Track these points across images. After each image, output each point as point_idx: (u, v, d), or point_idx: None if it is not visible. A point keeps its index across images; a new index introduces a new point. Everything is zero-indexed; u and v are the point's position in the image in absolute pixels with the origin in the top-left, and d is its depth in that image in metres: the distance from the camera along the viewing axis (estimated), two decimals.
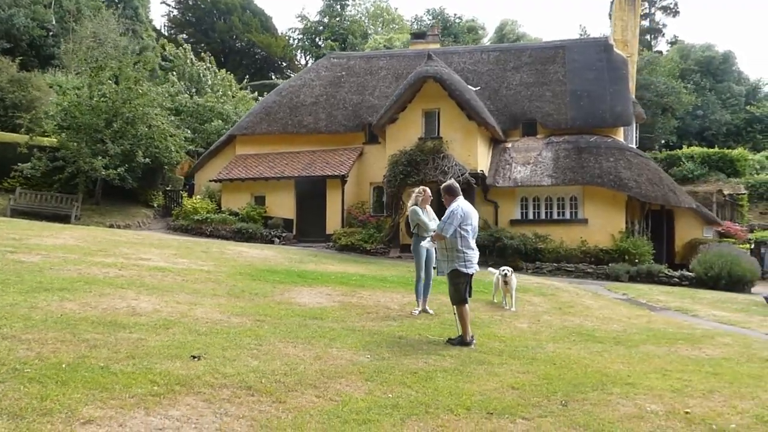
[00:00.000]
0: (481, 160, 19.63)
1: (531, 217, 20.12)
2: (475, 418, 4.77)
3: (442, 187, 7.76)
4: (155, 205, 25.21)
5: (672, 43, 57.45)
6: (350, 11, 60.17)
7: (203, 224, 21.89)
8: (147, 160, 21.44)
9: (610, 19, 23.86)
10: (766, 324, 11.34)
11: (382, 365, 6.15)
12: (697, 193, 31.41)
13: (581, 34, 47.35)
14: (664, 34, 60.10)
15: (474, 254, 7.66)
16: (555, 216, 19.96)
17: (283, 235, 21.88)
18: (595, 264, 18.53)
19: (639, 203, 19.52)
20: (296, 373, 5.59)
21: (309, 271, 13.72)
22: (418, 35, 29.29)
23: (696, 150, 37.21)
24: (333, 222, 21.99)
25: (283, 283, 11.34)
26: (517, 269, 18.42)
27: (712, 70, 49.63)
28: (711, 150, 37.03)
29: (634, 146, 22.42)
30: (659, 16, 59.97)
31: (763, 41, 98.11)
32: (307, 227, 22.29)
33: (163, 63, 34.05)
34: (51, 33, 43.54)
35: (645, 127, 43.46)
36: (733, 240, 22.57)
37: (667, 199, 19.08)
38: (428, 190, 9.69)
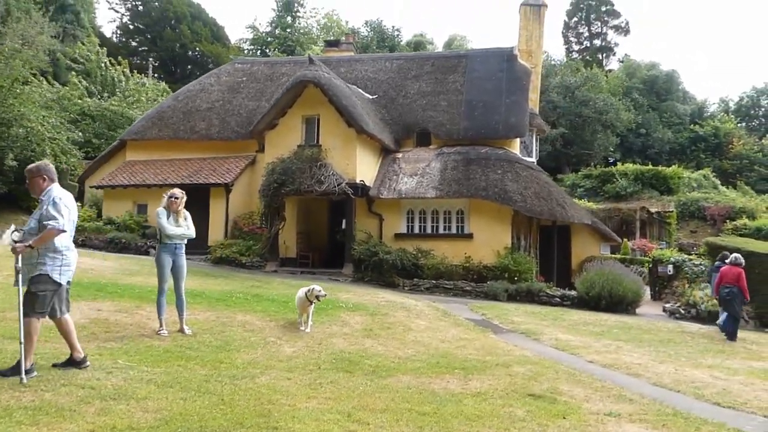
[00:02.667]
0: (363, 169, 18.59)
1: (417, 230, 19.09)
2: None
3: (27, 169, 6.21)
4: None
5: (622, 62, 57.45)
6: (302, 23, 59.33)
7: (76, 233, 20.49)
8: (15, 163, 20.05)
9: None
10: (604, 350, 10.49)
11: None
12: (621, 209, 30.89)
13: None
14: (615, 53, 60.26)
15: (74, 257, 6.31)
16: (441, 230, 18.96)
17: None
18: (478, 281, 17.53)
19: (527, 218, 18.61)
20: None
21: (126, 285, 12.54)
22: (332, 43, 28.41)
23: (630, 167, 36.75)
24: (216, 233, 20.77)
25: (72, 298, 10.18)
26: (393, 286, 17.53)
27: (656, 88, 49.53)
28: (644, 167, 36.59)
29: (533, 159, 21.56)
30: (611, 35, 60.16)
31: (712, 61, 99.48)
32: (190, 239, 20.97)
33: (74, 65, 32.66)
34: None
35: (584, 143, 43.10)
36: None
37: (554, 213, 18.17)
38: (184, 196, 8.61)
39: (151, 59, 54.52)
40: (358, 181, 18.18)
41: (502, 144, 20.06)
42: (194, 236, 8.57)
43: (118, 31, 64.43)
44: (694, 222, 34.15)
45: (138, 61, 57.52)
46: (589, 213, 20.46)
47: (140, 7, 62.40)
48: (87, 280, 12.46)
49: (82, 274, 13.49)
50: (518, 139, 20.72)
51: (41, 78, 30.32)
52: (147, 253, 20.11)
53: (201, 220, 20.44)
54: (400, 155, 20.30)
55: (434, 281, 17.52)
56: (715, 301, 15.86)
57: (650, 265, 19.81)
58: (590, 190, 35.83)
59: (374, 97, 21.78)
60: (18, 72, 21.82)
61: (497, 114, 20.22)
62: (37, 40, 40.01)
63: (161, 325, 8.44)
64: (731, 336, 12.48)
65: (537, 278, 18.97)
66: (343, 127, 18.19)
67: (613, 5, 58.79)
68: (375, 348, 8.97)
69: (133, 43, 64.23)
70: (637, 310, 16.78)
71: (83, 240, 20.31)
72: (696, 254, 22.96)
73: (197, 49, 60.30)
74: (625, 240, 27.56)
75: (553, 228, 19.18)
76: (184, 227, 8.49)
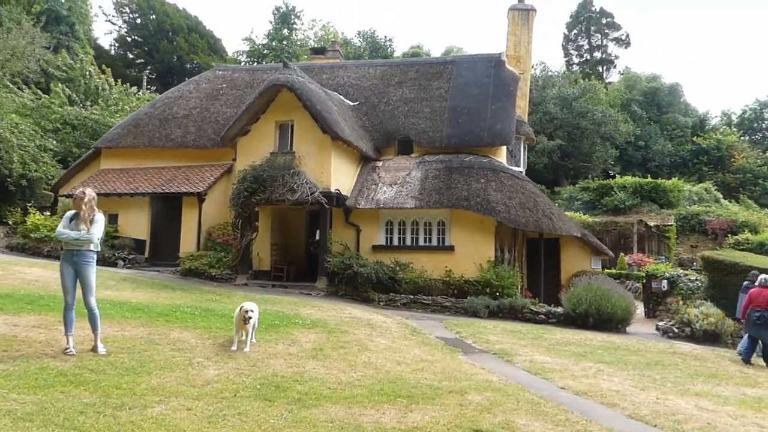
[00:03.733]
0: (338, 178, 17.63)
1: (396, 242, 18.08)
2: None
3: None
4: (10, 222, 22.85)
5: (623, 74, 56.59)
6: (299, 35, 58.81)
7: (41, 243, 19.66)
8: None
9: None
10: (582, 374, 9.50)
11: None
12: (617, 223, 29.79)
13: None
14: (615, 66, 59.41)
15: None
16: (421, 242, 17.93)
17: (131, 257, 19.65)
18: (459, 297, 16.49)
19: (511, 230, 17.58)
20: None
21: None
22: (318, 51, 27.61)
23: (628, 180, 35.69)
24: (188, 244, 19.81)
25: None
26: (368, 301, 16.48)
27: (657, 100, 48.53)
28: (644, 180, 35.50)
29: (521, 169, 20.56)
30: (612, 47, 59.35)
31: (714, 74, 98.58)
32: (161, 249, 20.08)
33: (57, 73, 31.95)
34: None
35: (582, 156, 42.10)
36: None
37: (540, 225, 17.14)
38: (91, 196, 7.60)
39: (146, 71, 54.05)
40: (333, 190, 17.21)
41: (486, 152, 19.08)
42: (94, 241, 7.52)
43: (116, 44, 64.15)
44: (694, 236, 32.96)
45: (135, 73, 57.10)
46: (579, 225, 19.41)
47: (137, 20, 62.07)
48: (24, 292, 11.56)
49: (24, 285, 12.64)
50: (504, 148, 19.73)
51: (24, 86, 29.62)
52: (114, 265, 19.21)
53: (173, 231, 19.63)
54: (380, 164, 19.35)
55: (412, 296, 16.49)
56: (711, 319, 14.82)
57: (643, 281, 18.70)
58: (588, 203, 34.76)
59: (355, 104, 20.89)
60: None
61: (482, 121, 19.27)
62: (27, 51, 39.57)
63: (68, 343, 7.45)
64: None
65: (523, 294, 17.95)
66: (318, 134, 17.27)
67: (613, 17, 58.04)
68: (316, 371, 7.95)
69: (131, 56, 63.96)
70: (628, 329, 15.71)
71: (48, 251, 19.43)
72: (694, 269, 21.91)
73: (194, 61, 59.83)
74: (622, 254, 26.51)
75: (540, 240, 18.14)
76: (83, 231, 7.41)
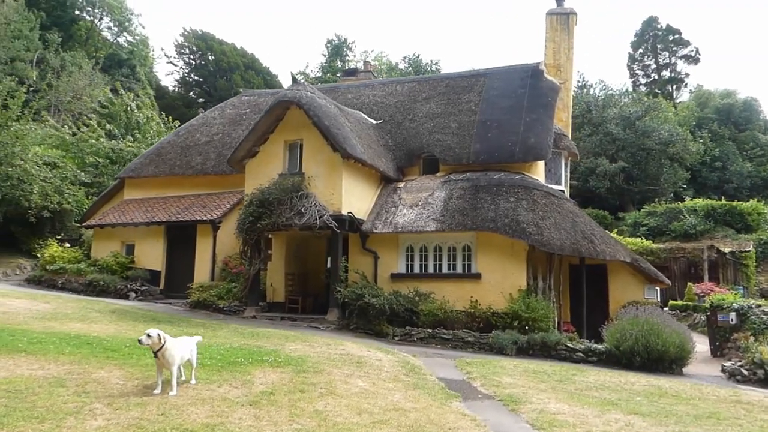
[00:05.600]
0: (351, 200, 16.11)
1: (417, 270, 16.27)
2: None
3: None
4: (39, 255, 22.58)
5: (694, 92, 52.92)
6: (351, 66, 58.55)
7: (56, 275, 19.09)
8: None
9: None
10: (603, 429, 7.58)
11: None
12: (685, 249, 26.78)
13: (579, 81, 43.59)
14: (686, 84, 55.72)
15: None
16: (444, 269, 16.04)
17: (143, 289, 18.73)
18: (485, 330, 14.46)
19: (546, 255, 15.45)
20: None
21: (16, 329, 10.42)
22: (350, 72, 26.63)
23: (699, 203, 32.41)
24: (201, 274, 18.75)
25: None
26: (381, 336, 14.72)
27: (733, 118, 44.66)
28: (717, 202, 32.13)
29: (562, 187, 18.39)
30: (681, 65, 55.86)
31: None
32: (177, 281, 19.09)
33: (99, 109, 32.33)
34: (31, 89, 43.29)
35: (649, 178, 38.92)
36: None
37: (579, 248, 14.94)
38: None
39: (200, 108, 54.94)
40: (344, 213, 15.68)
41: (519, 168, 17.09)
42: None
43: (177, 84, 66.05)
44: None
45: (195, 112, 58.24)
46: (629, 250, 16.99)
47: (196, 61, 63.70)
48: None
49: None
50: (541, 164, 17.68)
51: (83, 126, 29.78)
52: (126, 297, 18.35)
53: (188, 261, 18.59)
54: (401, 185, 17.72)
55: (431, 330, 14.59)
56: None
57: (707, 313, 16.01)
58: (654, 228, 31.67)
59: (378, 122, 19.44)
60: (13, 111, 20.91)
61: (514, 134, 17.34)
62: (85, 92, 40.74)
63: None
64: None
65: (562, 328, 15.71)
66: (328, 152, 15.88)
67: (680, 33, 54.66)
68: (240, 423, 6.34)
69: (192, 95, 65.53)
70: (686, 370, 13.21)
71: (62, 283, 18.84)
72: None
73: None
74: (690, 284, 23.57)
75: (581, 267, 15.90)
76: None
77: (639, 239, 27.37)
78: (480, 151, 17.39)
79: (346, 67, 59.13)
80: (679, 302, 22.44)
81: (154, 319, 13.62)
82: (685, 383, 11.47)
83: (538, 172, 17.58)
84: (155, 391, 7.13)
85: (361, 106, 20.40)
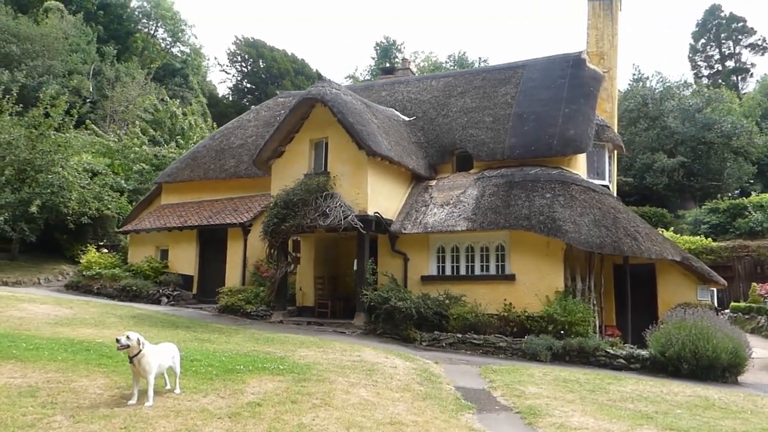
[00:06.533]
0: (378, 199, 15.47)
1: (448, 272, 15.47)
2: None
3: None
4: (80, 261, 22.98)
5: (761, 82, 49.84)
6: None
7: (92, 281, 19.24)
8: (34, 209, 19.15)
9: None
10: None
11: None
12: (749, 247, 24.92)
13: (634, 74, 41.54)
14: (752, 74, 52.60)
15: None
16: (477, 271, 15.17)
17: (175, 293, 18.64)
18: (520, 335, 13.54)
19: (586, 254, 14.36)
20: None
21: (37, 336, 10.27)
22: (387, 70, 25.98)
23: (766, 198, 30.11)
24: (233, 278, 18.51)
25: None
26: (409, 341, 14.00)
27: None
28: None
29: (605, 182, 17.18)
30: (746, 54, 52.80)
31: None
32: (209, 285, 18.92)
33: (144, 115, 32.86)
34: (88, 100, 44.72)
35: (711, 173, 36.69)
36: None
37: (620, 246, 13.79)
38: None
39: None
40: (370, 213, 15.06)
41: (558, 163, 16.05)
42: None
43: (230, 92, 67.25)
44: None
45: None
46: (679, 248, 15.62)
47: (248, 68, 64.62)
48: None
49: (3, 323, 11.58)
50: (582, 158, 16.55)
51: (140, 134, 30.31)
52: (158, 302, 18.27)
53: (220, 266, 18.38)
54: (433, 183, 16.96)
55: (461, 335, 13.76)
56: None
57: None
58: (717, 226, 29.65)
59: (411, 119, 18.75)
60: (54, 120, 21.29)
61: (552, 127, 16.30)
62: (137, 101, 41.70)
63: None
64: None
65: (606, 332, 14.58)
66: (354, 150, 15.30)
67: (745, 21, 51.66)
68: None
69: (245, 102, 66.59)
70: (742, 378, 11.95)
71: (98, 288, 18.94)
72: None
73: None
74: (754, 284, 21.80)
75: (626, 266, 14.72)
76: None
77: (698, 237, 25.59)
78: (515, 146, 16.44)
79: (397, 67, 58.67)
80: (742, 304, 20.77)
81: (172, 324, 13.34)
82: (738, 394, 10.27)
83: (579, 166, 16.47)
84: (130, 402, 6.67)
85: (394, 103, 19.76)
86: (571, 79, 17.63)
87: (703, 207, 32.13)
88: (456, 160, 17.55)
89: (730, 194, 36.37)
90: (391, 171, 16.17)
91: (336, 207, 14.90)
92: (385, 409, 7.57)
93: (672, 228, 27.33)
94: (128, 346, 6.69)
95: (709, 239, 25.61)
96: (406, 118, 18.80)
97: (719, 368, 11.50)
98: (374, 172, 15.39)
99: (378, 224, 15.45)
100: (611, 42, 18.56)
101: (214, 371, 8.49)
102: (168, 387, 7.39)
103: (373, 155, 15.09)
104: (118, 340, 6.73)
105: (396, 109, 19.32)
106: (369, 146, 14.80)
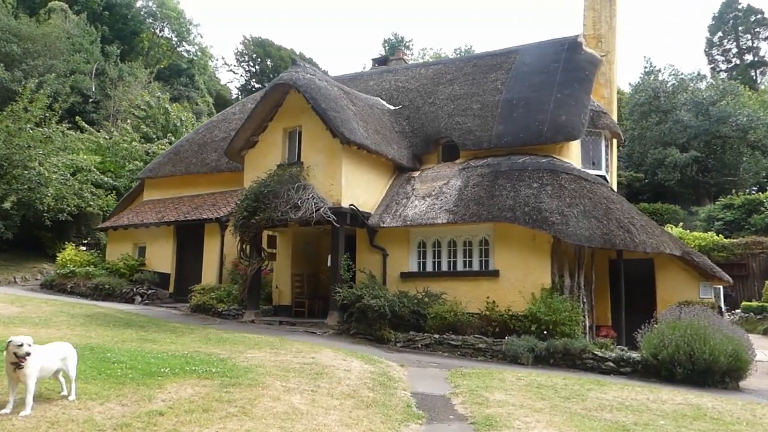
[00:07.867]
0: (354, 191, 14.48)
1: (429, 268, 14.43)
2: None
3: None
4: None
5: None
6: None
7: (66, 279, 18.49)
8: (7, 205, 18.47)
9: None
10: None
11: None
12: (763, 244, 23.49)
13: (645, 67, 40.12)
14: None
15: None
16: (459, 267, 14.12)
17: (150, 292, 17.82)
18: (502, 335, 12.46)
19: (575, 248, 13.24)
20: None
21: None
22: (381, 61, 25.01)
23: None
24: (209, 276, 17.66)
25: None
26: (382, 341, 13.00)
27: None
28: None
29: (602, 172, 16.01)
30: (765, 48, 50.95)
31: None
32: (186, 283, 18.05)
33: (136, 112, 32.19)
34: (91, 99, 44.36)
35: (726, 168, 35.16)
36: None
37: (612, 239, 12.66)
38: None
39: None
40: (345, 205, 14.08)
41: (548, 151, 14.93)
42: None
43: (239, 92, 66.70)
44: None
45: None
46: (679, 241, 14.40)
47: (255, 67, 64.05)
48: None
49: None
50: (575, 145, 15.41)
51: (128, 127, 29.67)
52: (132, 301, 17.47)
53: (197, 263, 17.53)
54: (416, 174, 15.93)
55: (438, 335, 12.72)
56: None
57: None
58: (731, 223, 28.27)
59: (396, 107, 17.76)
60: (34, 115, 20.60)
61: (542, 113, 15.19)
62: (130, 98, 41.07)
63: None
64: None
65: (600, 333, 13.46)
66: (328, 139, 14.34)
67: (763, 14, 49.85)
68: None
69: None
70: (745, 384, 10.76)
71: (71, 287, 18.20)
72: None
73: None
74: (767, 282, 20.47)
75: (620, 262, 13.57)
76: None
77: (709, 234, 24.24)
78: (503, 133, 15.35)
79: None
80: (755, 303, 19.44)
81: (125, 324, 12.47)
82: (736, 401, 9.10)
83: (572, 155, 15.33)
84: (4, 411, 5.75)
85: (381, 92, 18.80)
86: (565, 63, 16.52)
87: (717, 203, 30.72)
88: (442, 149, 16.52)
89: (746, 190, 34.82)
90: (369, 161, 15.17)
91: (308, 199, 13.95)
92: (313, 419, 6.58)
93: (681, 225, 25.96)
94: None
95: (721, 236, 24.22)
96: (391, 107, 17.82)
97: (718, 372, 10.33)
98: (349, 162, 14.42)
99: (354, 217, 14.47)
100: (609, 24, 17.39)
101: (132, 374, 7.57)
102: (64, 392, 6.48)
103: (348, 143, 14.11)
104: (19, 353, 5.83)
105: (382, 98, 18.36)
106: (342, 133, 13.82)
